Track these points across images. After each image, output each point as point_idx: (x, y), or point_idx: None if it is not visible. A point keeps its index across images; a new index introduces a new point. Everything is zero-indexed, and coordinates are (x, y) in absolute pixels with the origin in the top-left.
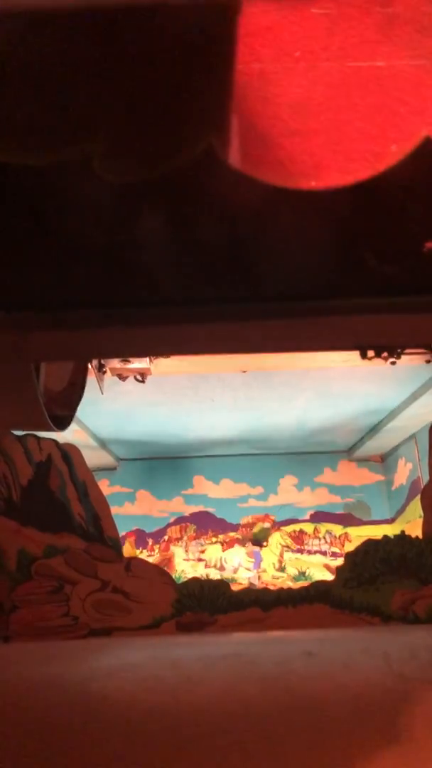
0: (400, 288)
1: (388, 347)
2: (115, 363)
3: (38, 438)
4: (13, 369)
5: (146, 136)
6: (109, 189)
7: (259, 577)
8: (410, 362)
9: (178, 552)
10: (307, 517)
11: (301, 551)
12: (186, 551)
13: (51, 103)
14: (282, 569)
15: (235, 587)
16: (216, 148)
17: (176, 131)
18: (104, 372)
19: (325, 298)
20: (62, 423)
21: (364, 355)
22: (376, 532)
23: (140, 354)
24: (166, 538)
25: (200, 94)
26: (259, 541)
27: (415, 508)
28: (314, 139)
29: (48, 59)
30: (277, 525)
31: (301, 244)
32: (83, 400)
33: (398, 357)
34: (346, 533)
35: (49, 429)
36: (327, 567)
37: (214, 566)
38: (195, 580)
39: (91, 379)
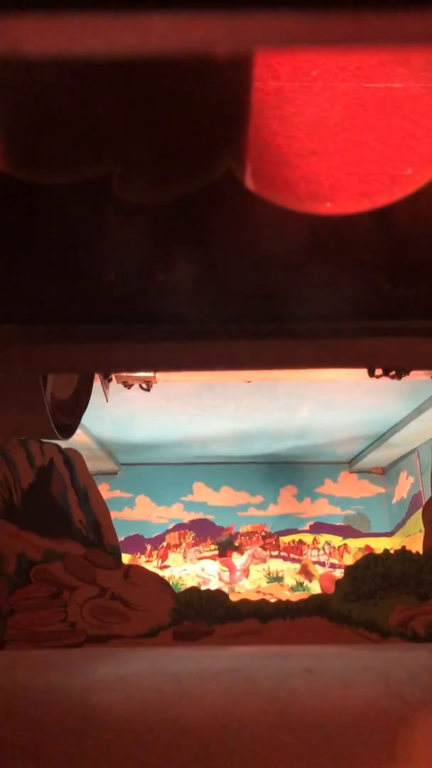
0: (413, 312)
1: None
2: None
3: (41, 442)
4: (21, 379)
5: (165, 159)
6: (125, 208)
7: (231, 590)
8: (415, 377)
9: (176, 559)
10: (307, 527)
11: (300, 561)
12: (184, 558)
13: (73, 128)
14: (279, 578)
15: (233, 597)
16: (235, 171)
17: (196, 155)
18: (110, 380)
19: (337, 320)
20: (67, 431)
21: (371, 373)
22: (376, 544)
23: (148, 369)
24: (164, 544)
25: (219, 116)
26: (224, 547)
27: (416, 523)
28: (330, 160)
29: (72, 93)
30: (276, 535)
31: (314, 266)
32: (89, 401)
33: (406, 374)
34: (345, 544)
35: (54, 437)
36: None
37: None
38: (194, 589)
39: (97, 385)
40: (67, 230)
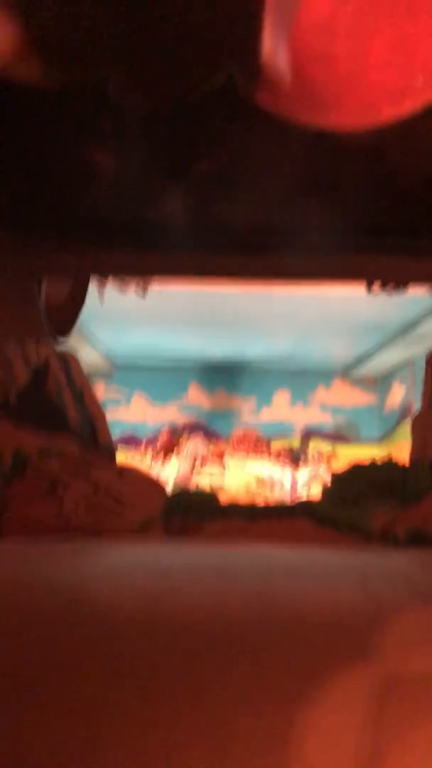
0: (414, 230)
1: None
2: None
3: (36, 342)
4: (16, 284)
5: (164, 61)
6: (122, 117)
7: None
8: (414, 288)
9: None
10: (297, 433)
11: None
12: (177, 458)
13: (68, 26)
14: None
15: (222, 496)
16: (237, 78)
17: (196, 59)
18: (105, 284)
19: (337, 236)
20: (62, 334)
21: (369, 289)
22: (364, 452)
23: (142, 277)
24: (158, 444)
25: (222, 17)
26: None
27: (404, 432)
28: (338, 67)
29: None
30: (267, 439)
31: (317, 182)
32: (83, 305)
33: (403, 290)
34: (333, 451)
35: (49, 341)
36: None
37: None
38: (184, 489)
39: (92, 288)
40: (64, 138)
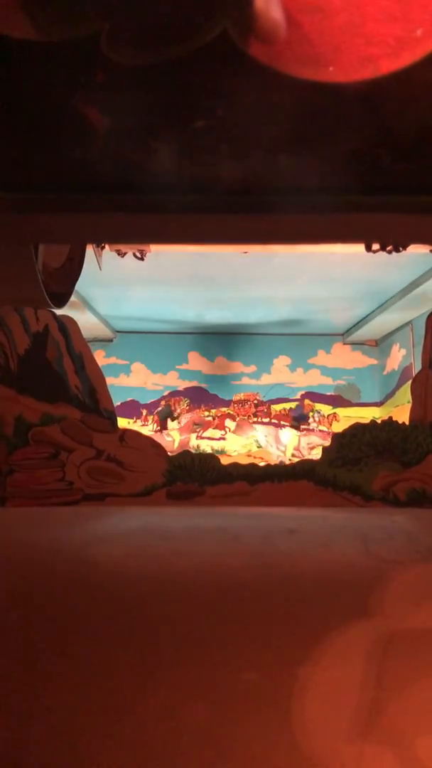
0: (412, 187)
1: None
2: None
3: (35, 308)
4: (12, 248)
5: (156, 15)
6: (116, 72)
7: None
8: (413, 250)
9: (170, 424)
10: (298, 396)
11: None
12: (179, 423)
13: None
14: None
15: (224, 460)
16: (230, 32)
17: (189, 12)
18: (103, 248)
19: (334, 194)
20: (60, 299)
21: (368, 248)
22: (364, 414)
23: (141, 241)
24: (159, 410)
25: None
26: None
27: (405, 394)
28: (335, 19)
29: None
30: (267, 403)
31: (312, 138)
32: (81, 270)
33: (403, 249)
34: (334, 413)
35: (47, 306)
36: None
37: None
38: (186, 453)
39: (90, 253)
40: (58, 96)
